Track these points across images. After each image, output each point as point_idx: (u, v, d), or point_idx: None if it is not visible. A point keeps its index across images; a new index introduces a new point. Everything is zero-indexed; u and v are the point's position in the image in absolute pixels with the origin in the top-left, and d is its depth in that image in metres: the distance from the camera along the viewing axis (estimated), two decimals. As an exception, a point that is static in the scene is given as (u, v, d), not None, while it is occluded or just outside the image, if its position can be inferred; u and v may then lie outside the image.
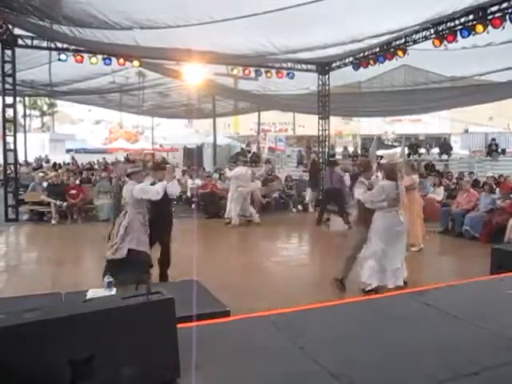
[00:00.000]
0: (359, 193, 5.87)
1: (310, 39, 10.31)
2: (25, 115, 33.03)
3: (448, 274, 6.81)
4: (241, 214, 11.38)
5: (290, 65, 14.10)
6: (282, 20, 8.60)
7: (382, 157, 13.62)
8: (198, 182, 14.01)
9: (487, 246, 7.17)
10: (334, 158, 21.62)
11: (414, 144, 22.81)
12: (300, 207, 13.76)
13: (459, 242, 9.24)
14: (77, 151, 30.92)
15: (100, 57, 12.24)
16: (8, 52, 11.32)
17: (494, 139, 22.09)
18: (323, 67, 14.73)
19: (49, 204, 11.26)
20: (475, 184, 11.86)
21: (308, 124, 33.21)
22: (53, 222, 11.06)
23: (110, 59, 12.38)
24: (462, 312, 3.55)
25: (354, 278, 6.23)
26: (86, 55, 12.10)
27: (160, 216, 5.95)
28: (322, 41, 10.42)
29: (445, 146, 22.66)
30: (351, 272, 5.91)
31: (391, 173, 5.74)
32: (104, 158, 22.71)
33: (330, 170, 11.66)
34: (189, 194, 13.90)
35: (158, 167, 6.31)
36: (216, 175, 14.87)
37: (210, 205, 12.45)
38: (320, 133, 15.73)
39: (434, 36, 10.38)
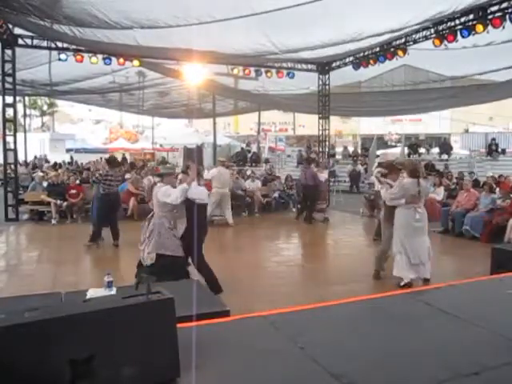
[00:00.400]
0: (383, 192, 6.27)
1: (311, 38, 10.31)
2: (25, 115, 33.05)
3: (448, 274, 6.81)
4: (218, 215, 11.28)
5: (290, 64, 14.11)
6: (282, 19, 8.60)
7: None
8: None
9: (487, 245, 7.17)
10: (334, 157, 21.68)
11: (413, 144, 22.81)
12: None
13: (459, 241, 9.24)
14: (77, 151, 30.96)
15: (100, 56, 12.25)
16: (8, 52, 11.32)
17: (493, 139, 22.08)
18: (323, 67, 14.74)
19: (49, 204, 11.26)
20: (475, 184, 11.86)
21: (308, 124, 33.20)
22: (53, 221, 11.06)
23: (110, 59, 12.39)
24: (462, 312, 3.55)
25: (353, 278, 6.24)
26: (86, 55, 12.12)
27: (190, 226, 5.36)
28: (323, 40, 10.41)
29: (445, 145, 22.67)
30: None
31: (414, 170, 5.99)
32: (101, 158, 22.61)
33: (306, 166, 11.80)
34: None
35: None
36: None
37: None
38: (320, 132, 15.74)
39: (434, 36, 10.38)
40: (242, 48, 11.01)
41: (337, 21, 9.09)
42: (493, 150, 21.29)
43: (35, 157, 26.37)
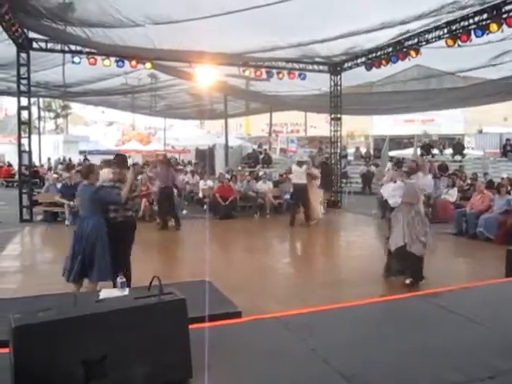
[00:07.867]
0: None
1: (322, 32, 10.17)
2: (39, 117, 33.37)
3: (462, 276, 6.72)
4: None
5: (301, 66, 14.06)
6: (290, 14, 8.53)
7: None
8: (210, 183, 14.04)
9: (502, 247, 7.05)
10: (346, 158, 21.55)
11: (426, 144, 22.56)
12: (312, 208, 13.71)
13: (473, 243, 9.12)
14: (90, 153, 31.19)
15: (113, 59, 12.35)
16: (23, 55, 11.46)
17: (508, 139, 21.69)
18: (335, 68, 14.67)
19: (62, 205, 11.37)
20: (489, 185, 11.69)
21: (320, 125, 33.09)
22: (66, 222, 11.15)
23: (123, 61, 12.48)
24: (476, 314, 3.51)
25: (365, 279, 6.20)
26: (98, 57, 12.22)
27: None
28: (334, 34, 10.27)
29: (458, 146, 22.38)
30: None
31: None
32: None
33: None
34: (200, 194, 13.98)
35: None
36: (228, 176, 14.90)
37: (224, 206, 12.42)
38: (332, 133, 15.67)
39: (447, 36, 10.26)
40: (253, 47, 10.96)
41: (348, 15, 8.97)
42: (507, 150, 20.93)
43: (49, 159, 26.62)
